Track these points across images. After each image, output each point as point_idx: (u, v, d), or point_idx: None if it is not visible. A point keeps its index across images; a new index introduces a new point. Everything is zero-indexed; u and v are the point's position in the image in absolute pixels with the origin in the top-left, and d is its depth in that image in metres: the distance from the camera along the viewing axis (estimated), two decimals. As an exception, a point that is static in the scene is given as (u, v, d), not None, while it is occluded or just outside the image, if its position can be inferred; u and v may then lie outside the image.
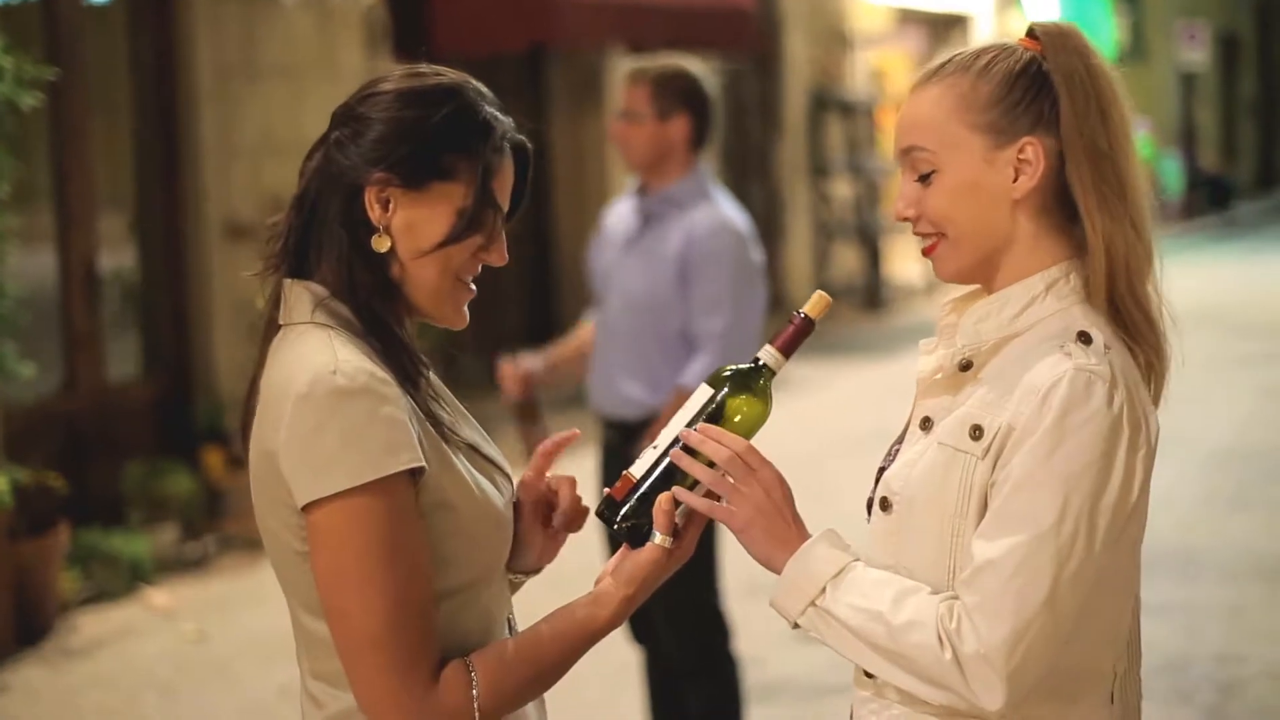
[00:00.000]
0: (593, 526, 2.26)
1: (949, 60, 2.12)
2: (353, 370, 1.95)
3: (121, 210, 8.66)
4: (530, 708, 2.11)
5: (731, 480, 2.06)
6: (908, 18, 18.51)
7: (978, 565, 1.98)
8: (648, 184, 4.74)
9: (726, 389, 2.09)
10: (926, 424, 2.11)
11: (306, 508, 1.95)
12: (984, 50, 2.12)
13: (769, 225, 14.79)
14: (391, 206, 2.04)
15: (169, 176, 8.58)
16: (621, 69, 6.40)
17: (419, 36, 10.03)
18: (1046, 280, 2.08)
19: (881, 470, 2.16)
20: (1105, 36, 23.21)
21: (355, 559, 1.93)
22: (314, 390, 1.94)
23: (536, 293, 12.35)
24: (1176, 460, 8.79)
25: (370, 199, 2.04)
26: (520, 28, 10.76)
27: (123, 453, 8.01)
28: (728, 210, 4.71)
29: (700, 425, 2.07)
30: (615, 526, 2.07)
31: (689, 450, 2.06)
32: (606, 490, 2.10)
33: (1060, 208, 2.09)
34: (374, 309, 2.04)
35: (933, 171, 2.09)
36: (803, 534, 2.08)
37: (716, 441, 2.06)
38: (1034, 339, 2.06)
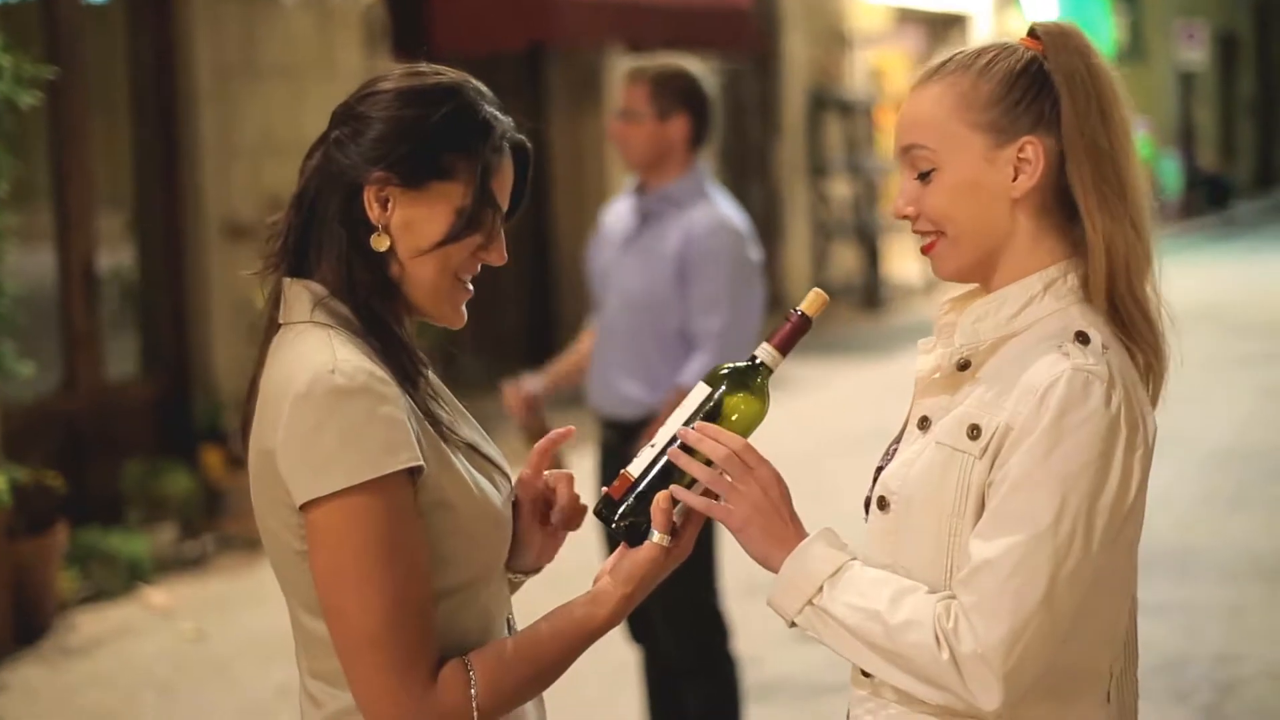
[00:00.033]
0: (591, 525, 2.25)
1: (950, 59, 2.12)
2: (352, 369, 1.95)
3: (121, 209, 8.66)
4: (529, 706, 2.11)
5: (729, 479, 2.06)
6: (906, 17, 18.50)
7: (975, 565, 1.98)
8: (646, 183, 4.74)
9: (724, 387, 2.09)
10: (924, 423, 2.11)
11: (305, 507, 1.95)
12: (985, 49, 2.12)
13: (768, 225, 14.79)
14: (391, 205, 2.04)
15: (168, 176, 8.57)
16: (620, 68, 6.39)
17: (418, 36, 10.03)
18: (1044, 280, 2.08)
19: (879, 469, 2.16)
20: (1104, 36, 23.20)
21: (354, 558, 1.94)
22: (313, 389, 1.94)
23: (536, 292, 12.35)
24: (1175, 460, 8.78)
25: (369, 198, 2.04)
26: (519, 27, 10.75)
27: (122, 452, 8.00)
28: (726, 209, 4.71)
29: (698, 424, 2.07)
30: (613, 525, 2.07)
31: (687, 449, 2.06)
32: (604, 489, 2.09)
33: (1059, 207, 2.09)
34: (373, 308, 2.04)
35: (932, 170, 2.09)
36: (800, 533, 2.08)
37: (714, 440, 2.06)
38: (1032, 339, 2.06)
